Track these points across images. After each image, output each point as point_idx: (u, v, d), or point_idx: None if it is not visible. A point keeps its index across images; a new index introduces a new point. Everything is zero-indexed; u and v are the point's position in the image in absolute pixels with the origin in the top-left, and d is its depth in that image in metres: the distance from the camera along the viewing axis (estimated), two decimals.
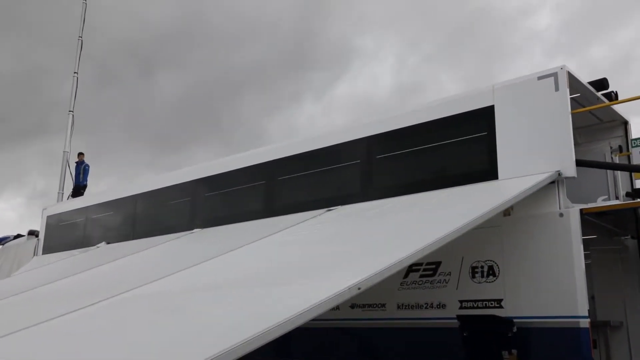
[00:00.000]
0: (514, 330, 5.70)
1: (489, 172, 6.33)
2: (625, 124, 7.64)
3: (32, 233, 12.88)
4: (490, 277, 6.09)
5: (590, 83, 6.87)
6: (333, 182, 7.63)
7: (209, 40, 37.90)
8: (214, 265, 5.21)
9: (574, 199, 6.06)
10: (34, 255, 12.13)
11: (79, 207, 11.83)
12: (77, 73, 15.05)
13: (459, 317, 6.06)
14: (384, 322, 6.72)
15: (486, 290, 6.08)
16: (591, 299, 6.10)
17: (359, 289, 3.29)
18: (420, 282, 6.56)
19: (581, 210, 5.75)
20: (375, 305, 6.82)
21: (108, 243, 10.41)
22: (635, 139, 6.75)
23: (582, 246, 5.65)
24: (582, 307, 5.48)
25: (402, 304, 6.65)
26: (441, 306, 6.36)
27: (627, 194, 7.38)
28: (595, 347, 6.44)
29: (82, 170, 14.46)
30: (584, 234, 5.75)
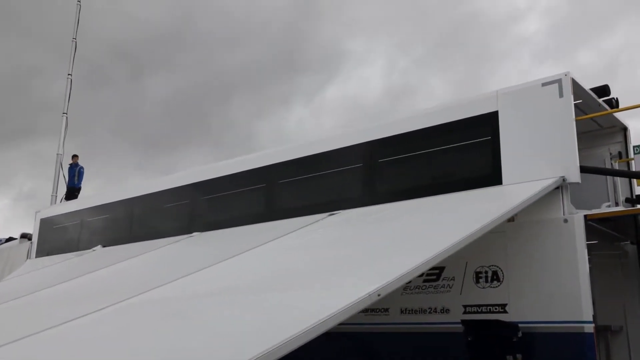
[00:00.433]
0: (519, 335, 5.72)
1: (493, 177, 6.35)
2: (624, 130, 7.71)
3: (25, 236, 12.73)
4: (495, 282, 6.11)
5: (592, 89, 6.93)
6: (336, 186, 7.62)
7: (200, 42, 37.80)
8: (223, 269, 5.17)
9: (574, 205, 6.10)
10: (27, 258, 11.99)
11: (73, 209, 11.72)
12: (71, 75, 14.93)
13: (463, 321, 6.07)
14: (387, 326, 6.71)
15: (490, 295, 6.09)
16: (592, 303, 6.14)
17: (379, 295, 3.29)
18: (424, 287, 6.56)
19: (585, 216, 5.80)
20: (378, 310, 6.81)
21: (104, 246, 10.32)
22: (638, 146, 6.81)
23: (586, 251, 5.69)
24: (586, 312, 5.51)
25: (406, 309, 6.64)
26: (445, 311, 6.37)
27: (627, 200, 7.45)
28: None
29: (76, 172, 14.33)
30: (586, 239, 5.79)
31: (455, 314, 6.24)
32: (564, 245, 5.76)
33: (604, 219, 6.24)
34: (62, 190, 14.38)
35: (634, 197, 7.35)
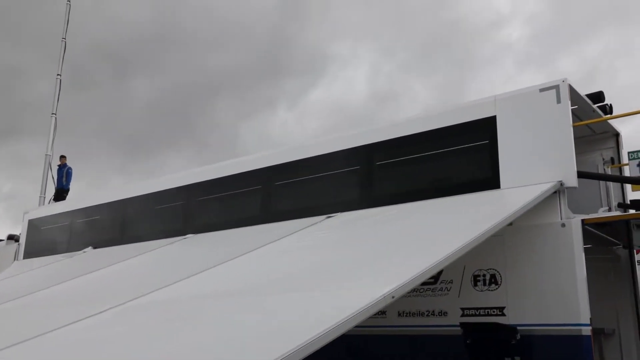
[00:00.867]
0: (517, 338, 5.78)
1: (491, 181, 6.42)
2: (617, 135, 7.83)
3: (12, 237, 12.56)
4: (493, 285, 6.17)
5: (587, 95, 7.03)
6: (333, 189, 7.64)
7: (185, 44, 37.61)
8: (228, 271, 5.15)
9: (570, 209, 6.17)
10: (15, 260, 11.82)
11: (63, 210, 11.59)
12: (60, 75, 14.76)
13: (462, 324, 6.11)
14: (385, 329, 6.73)
15: (488, 298, 6.15)
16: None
17: (392, 297, 3.31)
18: (422, 290, 6.59)
19: (582, 220, 5.88)
20: (375, 313, 6.82)
21: (95, 248, 10.21)
22: (633, 152, 6.93)
23: (583, 255, 5.78)
24: (584, 315, 5.59)
25: (403, 312, 6.67)
26: (443, 314, 6.41)
27: (619, 205, 7.56)
28: None
29: (64, 173, 14.18)
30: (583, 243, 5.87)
31: (453, 317, 6.28)
32: (562, 249, 5.84)
33: (600, 224, 6.33)
34: (50, 191, 14.21)
35: (627, 202, 7.45)
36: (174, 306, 4.40)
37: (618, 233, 7.11)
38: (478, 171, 6.62)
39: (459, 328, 6.13)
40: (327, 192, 7.69)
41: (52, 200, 13.79)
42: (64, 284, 6.63)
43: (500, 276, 6.13)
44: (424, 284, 6.59)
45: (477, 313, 6.17)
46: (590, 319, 5.61)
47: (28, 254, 11.64)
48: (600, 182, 7.62)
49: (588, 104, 7.02)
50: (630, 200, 7.14)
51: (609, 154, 7.86)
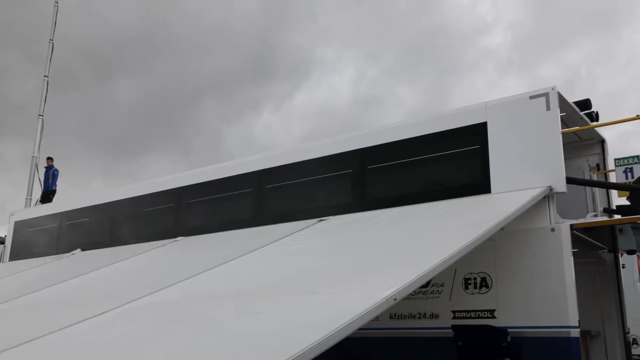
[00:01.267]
0: (508, 340, 5.90)
1: (482, 185, 6.54)
2: (602, 142, 8.01)
3: None
4: (484, 288, 6.28)
5: (575, 103, 7.20)
6: (325, 192, 7.71)
7: (170, 47, 37.51)
8: (224, 273, 5.18)
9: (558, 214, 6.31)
10: (0, 261, 11.71)
11: (50, 212, 11.51)
12: (47, 77, 14.66)
13: (453, 326, 6.22)
14: (377, 332, 6.80)
15: (479, 301, 6.25)
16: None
17: (395, 299, 3.38)
18: (414, 293, 6.65)
19: (571, 225, 6.02)
20: None
21: (83, 250, 10.16)
22: (619, 159, 7.11)
23: (572, 259, 5.91)
24: (572, 317, 5.72)
25: (395, 314, 6.75)
26: (434, 316, 6.50)
27: (605, 210, 7.74)
28: None
29: (50, 175, 14.08)
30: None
31: (445, 320, 6.38)
32: (551, 253, 5.96)
33: (587, 228, 6.48)
34: (37, 193, 14.10)
35: (612, 207, 7.63)
36: (174, 308, 4.42)
37: (603, 237, 7.28)
38: (469, 176, 6.74)
39: (451, 330, 6.24)
40: (320, 196, 7.77)
41: (38, 202, 13.70)
42: (55, 286, 6.60)
43: (491, 279, 6.25)
44: None
45: (468, 316, 6.27)
46: (579, 321, 5.75)
47: (14, 256, 11.53)
48: (587, 187, 7.79)
49: (576, 111, 7.19)
50: (616, 206, 7.31)
51: (594, 160, 8.04)
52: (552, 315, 5.79)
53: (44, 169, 14.32)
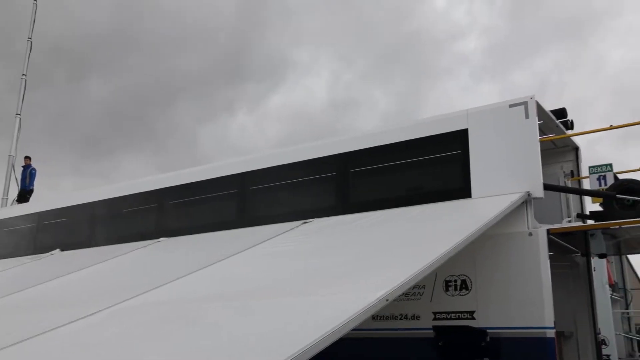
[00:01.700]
0: (487, 340, 6.10)
1: (463, 190, 6.74)
2: (576, 149, 8.31)
3: None
4: (464, 290, 6.47)
5: (552, 111, 7.47)
6: (309, 195, 7.83)
7: (145, 46, 37.22)
8: (214, 274, 5.25)
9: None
10: None
11: (27, 212, 11.39)
12: (25, 75, 14.46)
13: (434, 327, 6.40)
14: (359, 332, 6.93)
15: (459, 302, 6.45)
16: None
17: (387, 300, 3.52)
18: None
19: (548, 230, 6.26)
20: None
21: (62, 250, 10.09)
22: (593, 166, 7.39)
23: (548, 263, 6.14)
24: (548, 318, 5.95)
25: (377, 315, 6.89)
26: (415, 317, 6.67)
27: (578, 215, 8.02)
28: None
29: (28, 174, 13.90)
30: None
31: (426, 321, 6.55)
32: (529, 257, 6.18)
33: (563, 233, 6.73)
34: (13, 192, 13.91)
35: (585, 213, 7.92)
36: (167, 309, 4.48)
37: (577, 242, 7.55)
38: (451, 181, 6.94)
39: (432, 331, 6.42)
40: (303, 199, 7.89)
41: (15, 202, 13.51)
42: (40, 286, 6.58)
43: (471, 282, 6.45)
44: None
45: (449, 317, 6.45)
46: (555, 322, 5.98)
47: None
48: (561, 193, 8.07)
49: (552, 119, 7.46)
50: (590, 212, 7.60)
51: (569, 166, 8.32)
52: (529, 317, 6.01)
53: (22, 168, 14.14)
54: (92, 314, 4.47)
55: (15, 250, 11.00)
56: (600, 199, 6.96)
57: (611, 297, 12.14)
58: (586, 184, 7.95)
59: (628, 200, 6.57)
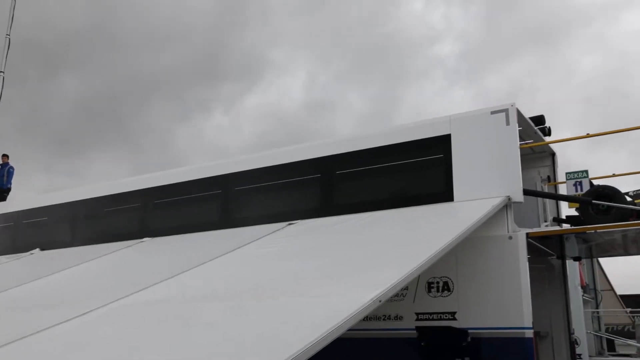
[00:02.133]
0: (468, 340, 6.29)
1: (445, 194, 6.93)
2: (553, 155, 8.58)
3: None
4: (445, 291, 6.65)
5: (531, 118, 7.71)
6: (294, 197, 7.94)
7: (119, 44, 36.76)
8: (204, 275, 5.31)
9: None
10: None
11: (5, 211, 11.25)
12: (3, 72, 14.25)
13: (417, 328, 6.56)
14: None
15: (441, 303, 6.62)
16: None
17: (380, 301, 3.64)
18: None
19: (527, 233, 6.47)
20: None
21: (42, 249, 10.01)
22: (570, 172, 7.64)
23: (527, 265, 6.35)
24: (527, 319, 6.15)
25: None
26: (398, 318, 6.82)
27: (554, 219, 8.29)
28: None
29: (5, 172, 13.72)
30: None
31: (408, 321, 6.71)
32: (508, 260, 6.38)
33: (541, 237, 6.97)
34: None
35: (562, 217, 8.19)
36: (160, 309, 4.53)
37: (553, 245, 7.80)
38: (434, 185, 7.12)
39: (414, 331, 6.58)
40: (288, 200, 7.99)
41: None
42: (26, 285, 6.56)
43: (452, 283, 6.62)
44: None
45: (431, 317, 6.62)
46: (533, 322, 6.19)
47: None
48: (538, 198, 8.32)
49: (531, 125, 7.70)
50: (566, 216, 7.86)
51: (545, 171, 8.57)
52: (508, 317, 6.21)
53: None
54: (85, 313, 4.50)
55: None
56: (577, 204, 7.20)
57: (583, 298, 12.50)
58: (562, 189, 8.22)
59: (603, 205, 6.82)
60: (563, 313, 7.95)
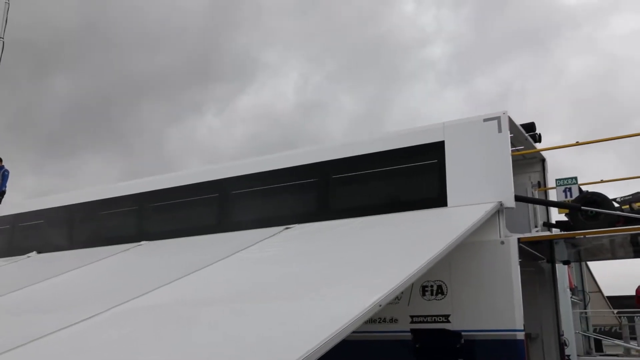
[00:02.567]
0: (462, 342, 6.46)
1: (439, 199, 7.10)
2: (543, 161, 8.79)
3: None
4: (439, 295, 6.82)
5: (522, 125, 7.91)
6: (291, 202, 8.09)
7: (112, 44, 36.66)
8: (204, 279, 5.42)
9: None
10: None
11: (1, 214, 11.29)
12: None
13: (412, 330, 6.72)
14: None
15: (435, 306, 6.79)
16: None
17: (380, 305, 3.79)
18: None
19: (519, 239, 6.66)
20: None
21: (39, 252, 10.07)
22: (560, 179, 7.86)
23: (519, 269, 6.53)
24: (518, 321, 6.33)
25: None
26: (394, 321, 6.98)
27: (544, 224, 8.49)
28: None
29: (0, 175, 13.73)
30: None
31: (404, 324, 6.87)
32: (500, 264, 6.56)
33: (532, 241, 7.16)
34: None
35: (551, 222, 8.40)
36: (164, 312, 4.63)
37: (543, 249, 7.99)
38: (428, 190, 7.29)
39: (409, 334, 6.75)
40: (285, 205, 8.13)
41: None
42: (27, 289, 6.63)
43: (446, 287, 6.80)
44: None
45: (425, 320, 6.78)
46: (524, 325, 6.38)
47: None
48: (529, 204, 8.51)
49: (522, 132, 7.89)
50: (556, 221, 8.07)
51: (536, 177, 8.78)
52: (500, 320, 6.39)
53: None
54: (90, 317, 4.61)
55: None
56: (567, 210, 7.40)
57: (571, 300, 12.74)
58: (552, 195, 8.42)
59: (591, 211, 7.02)
60: (553, 315, 8.13)
